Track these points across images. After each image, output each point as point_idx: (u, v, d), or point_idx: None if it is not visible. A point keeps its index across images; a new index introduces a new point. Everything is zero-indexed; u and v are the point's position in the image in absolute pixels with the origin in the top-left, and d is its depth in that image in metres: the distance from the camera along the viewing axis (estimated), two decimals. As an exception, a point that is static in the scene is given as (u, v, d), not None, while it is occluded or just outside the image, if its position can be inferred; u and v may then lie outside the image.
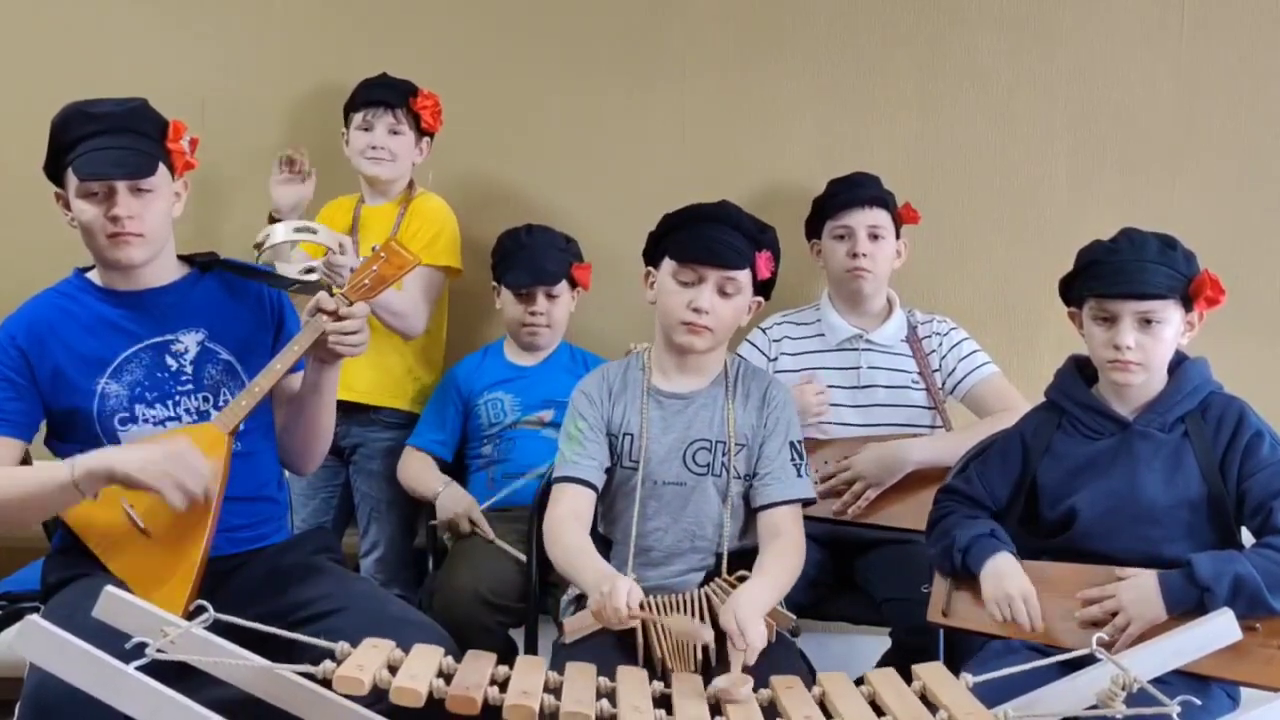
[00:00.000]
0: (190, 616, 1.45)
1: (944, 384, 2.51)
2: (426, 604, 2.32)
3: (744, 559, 1.95)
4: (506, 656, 2.27)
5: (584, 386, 2.05)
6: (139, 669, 1.32)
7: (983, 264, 2.87)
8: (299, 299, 2.05)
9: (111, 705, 1.33)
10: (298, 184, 2.70)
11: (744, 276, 1.97)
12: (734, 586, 1.86)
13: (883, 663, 2.19)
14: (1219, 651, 1.62)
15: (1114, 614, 1.77)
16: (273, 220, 2.57)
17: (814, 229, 2.62)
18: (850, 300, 2.56)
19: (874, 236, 2.51)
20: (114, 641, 1.39)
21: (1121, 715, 1.35)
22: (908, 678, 1.51)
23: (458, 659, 1.49)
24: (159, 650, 1.36)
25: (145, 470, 1.66)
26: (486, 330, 2.89)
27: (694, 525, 1.98)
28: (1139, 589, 1.77)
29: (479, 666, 1.46)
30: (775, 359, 2.55)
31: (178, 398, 1.91)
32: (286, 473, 2.10)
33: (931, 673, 1.52)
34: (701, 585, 1.93)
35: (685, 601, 1.87)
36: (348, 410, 2.50)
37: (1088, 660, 1.52)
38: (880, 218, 2.53)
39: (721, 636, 1.74)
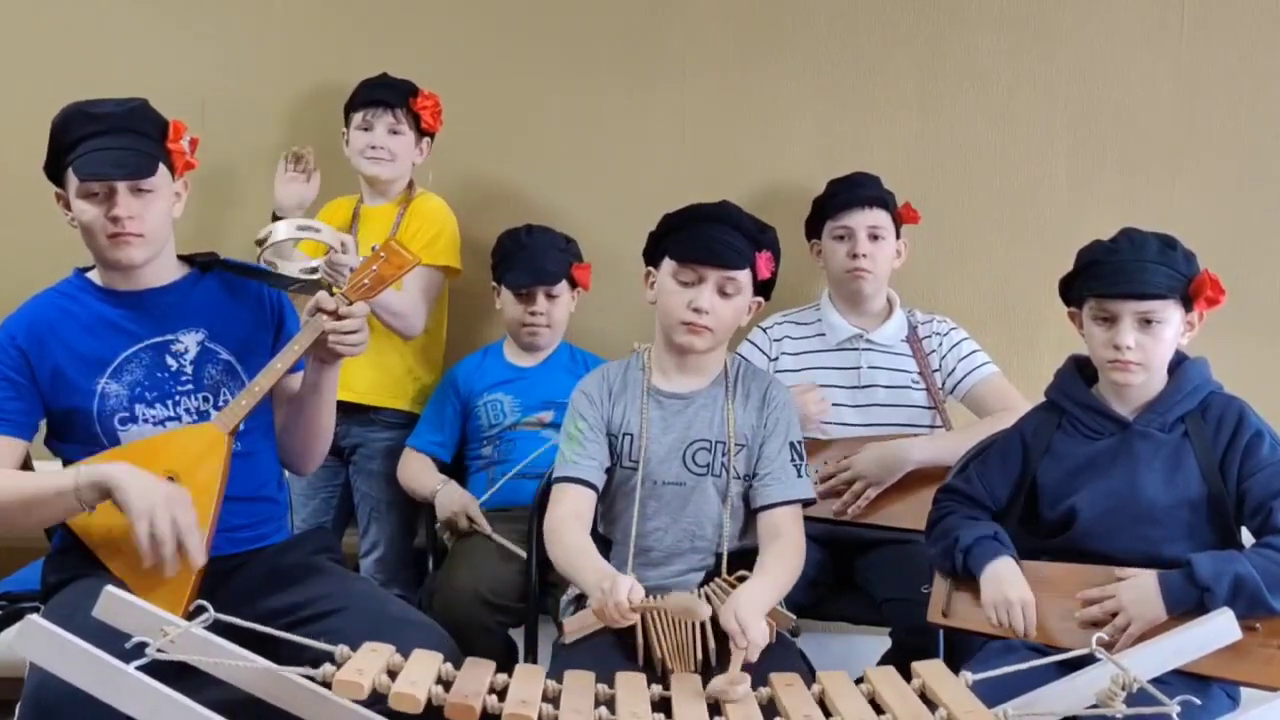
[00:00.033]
0: (190, 616, 1.45)
1: (944, 384, 2.51)
2: (426, 604, 2.32)
3: (744, 559, 1.95)
4: (506, 656, 2.28)
5: (584, 386, 2.05)
6: (139, 669, 1.32)
7: (983, 264, 2.87)
8: (299, 299, 2.05)
9: (111, 705, 1.33)
10: (302, 183, 2.70)
11: (744, 276, 1.97)
12: (734, 586, 1.86)
13: (883, 663, 2.19)
14: (1219, 651, 1.62)
15: (1114, 614, 1.77)
16: (276, 219, 2.57)
17: (814, 229, 2.62)
18: (850, 300, 2.56)
19: (874, 237, 2.52)
20: (114, 641, 1.39)
21: (1121, 715, 1.35)
22: (908, 678, 1.51)
23: (458, 659, 1.49)
24: (159, 650, 1.36)
25: (143, 497, 1.66)
26: (486, 330, 2.89)
27: (694, 525, 1.98)
28: (1139, 589, 1.77)
29: (478, 674, 1.46)
30: (776, 358, 2.55)
31: (178, 398, 1.91)
32: (286, 473, 2.10)
33: (931, 670, 1.51)
34: (701, 585, 1.93)
35: (685, 601, 1.87)
36: (348, 410, 2.50)
37: (1088, 660, 1.52)
38: (880, 218, 2.53)
39: (722, 636, 1.74)
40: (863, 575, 2.35)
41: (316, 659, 1.42)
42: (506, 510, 2.48)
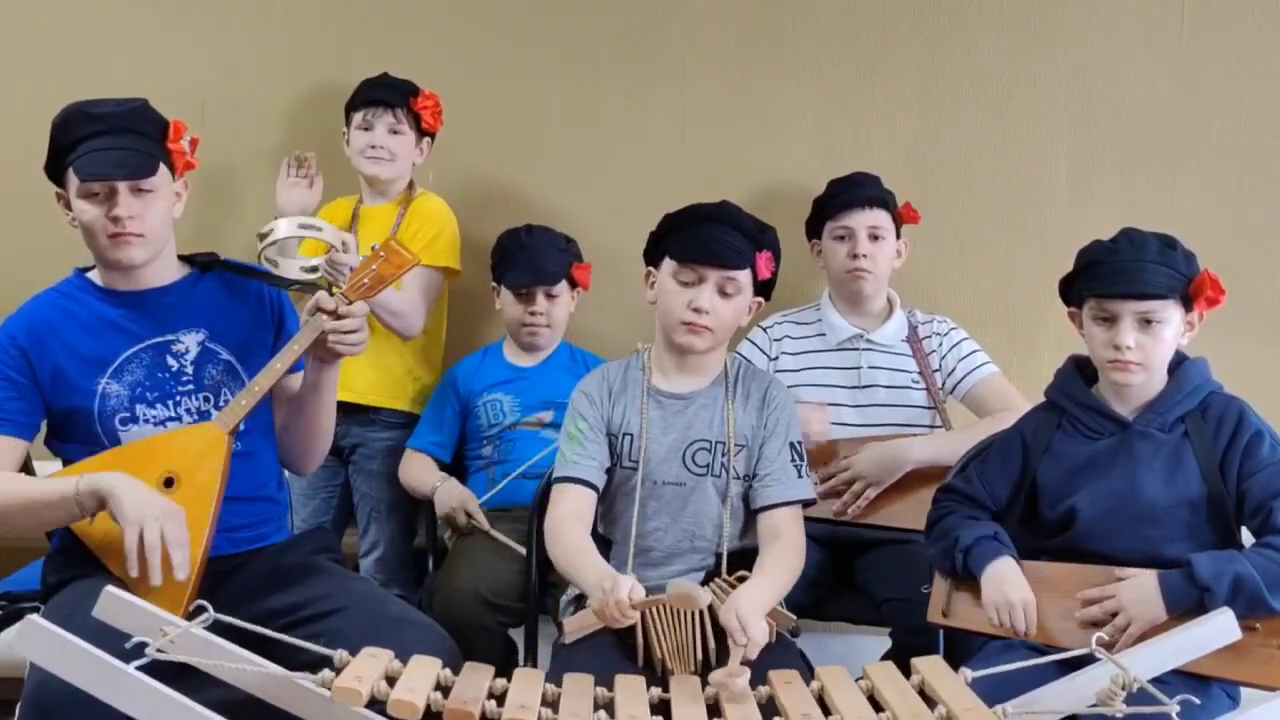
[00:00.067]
0: (190, 616, 1.45)
1: (944, 384, 2.51)
2: (426, 604, 2.32)
3: (744, 559, 1.95)
4: (506, 656, 2.28)
5: (584, 386, 2.05)
6: (139, 669, 1.33)
7: (983, 264, 2.87)
8: (299, 298, 2.05)
9: (111, 705, 1.33)
10: (304, 188, 2.70)
11: (744, 276, 1.97)
12: (734, 587, 1.86)
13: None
14: (1219, 651, 1.62)
15: (1114, 614, 1.77)
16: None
17: (814, 229, 2.62)
18: (851, 300, 2.56)
19: (874, 237, 2.52)
20: (114, 641, 1.39)
21: (1121, 715, 1.35)
22: (907, 675, 1.51)
23: (458, 659, 1.50)
24: (159, 650, 1.36)
25: (135, 507, 1.65)
26: (486, 330, 2.89)
27: (693, 525, 1.98)
28: (1139, 589, 1.77)
29: (476, 679, 1.46)
30: (776, 358, 2.55)
31: (178, 398, 1.91)
32: (286, 473, 2.10)
33: (930, 668, 1.51)
34: (701, 585, 1.93)
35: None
36: (347, 410, 2.50)
37: (1088, 660, 1.52)
38: (880, 218, 2.53)
39: (722, 636, 1.74)
40: (863, 575, 2.35)
41: (316, 661, 1.42)
42: (507, 510, 2.48)
